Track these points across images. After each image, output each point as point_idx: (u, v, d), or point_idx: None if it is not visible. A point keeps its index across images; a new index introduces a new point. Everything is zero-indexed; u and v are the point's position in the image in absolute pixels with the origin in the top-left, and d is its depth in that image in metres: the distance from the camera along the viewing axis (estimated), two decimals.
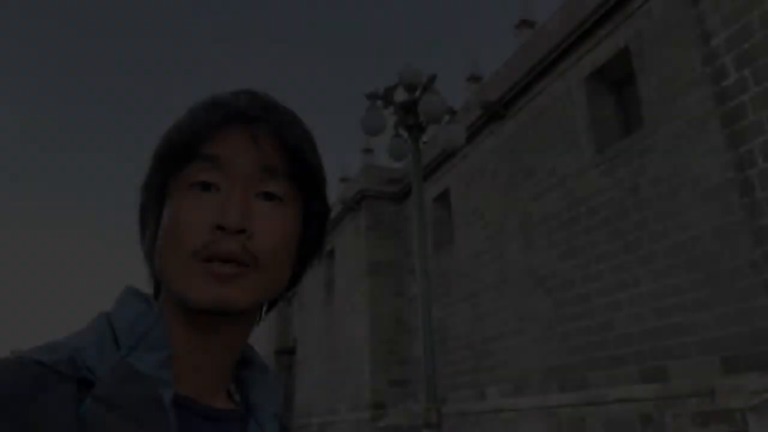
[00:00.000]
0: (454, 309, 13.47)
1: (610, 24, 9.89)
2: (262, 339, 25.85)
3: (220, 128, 0.62)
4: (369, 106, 5.77)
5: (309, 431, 19.60)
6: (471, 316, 12.78)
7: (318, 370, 19.61)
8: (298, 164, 0.64)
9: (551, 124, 10.94)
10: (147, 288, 0.67)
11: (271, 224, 0.61)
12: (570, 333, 9.76)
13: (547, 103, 11.16)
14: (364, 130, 5.83)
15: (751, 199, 6.29)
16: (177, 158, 0.62)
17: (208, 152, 0.61)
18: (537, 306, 10.64)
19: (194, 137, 0.61)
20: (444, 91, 6.07)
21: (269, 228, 0.61)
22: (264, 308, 0.69)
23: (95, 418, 0.49)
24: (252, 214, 0.60)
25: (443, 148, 6.39)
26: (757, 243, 6.22)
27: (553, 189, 10.60)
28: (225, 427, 0.62)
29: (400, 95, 5.65)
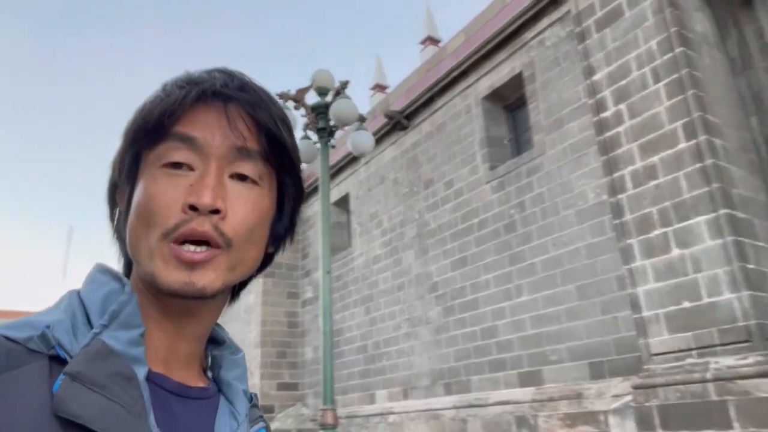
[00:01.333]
0: (348, 313, 13.61)
1: (508, 49, 10.55)
2: None
3: (194, 106, 0.60)
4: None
5: None
6: (365, 321, 12.97)
7: None
8: (273, 145, 0.63)
9: (450, 139, 11.44)
10: (116, 266, 0.65)
11: (244, 205, 0.60)
12: (457, 338, 10.24)
13: (447, 118, 11.66)
14: None
15: (620, 220, 7.00)
16: (149, 136, 0.60)
17: (181, 131, 0.59)
18: (428, 312, 11.05)
19: (167, 115, 0.59)
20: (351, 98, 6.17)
21: (242, 208, 0.60)
22: (236, 288, 0.69)
23: (68, 394, 0.49)
24: (225, 194, 0.59)
25: (353, 153, 6.47)
26: (623, 260, 6.93)
27: (449, 200, 11.09)
28: (197, 404, 0.62)
29: (312, 98, 5.67)
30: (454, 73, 11.46)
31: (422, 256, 11.54)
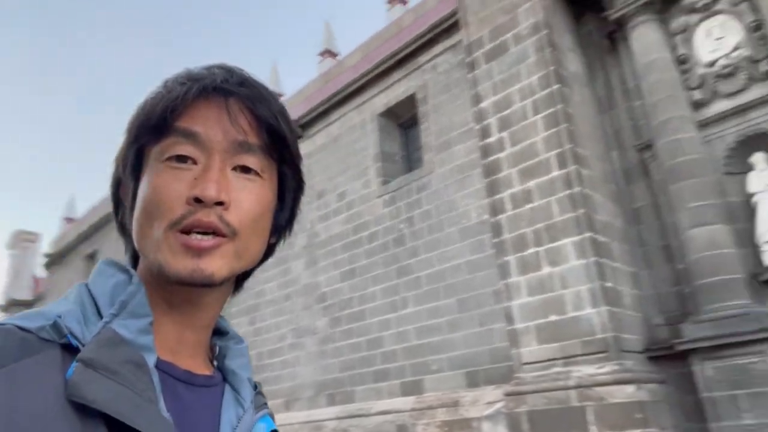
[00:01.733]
0: (232, 323, 13.17)
1: (403, 70, 10.96)
2: None
3: (195, 102, 0.62)
4: None
5: None
6: (249, 331, 12.65)
7: None
8: (273, 138, 0.65)
9: (345, 151, 11.60)
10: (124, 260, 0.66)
11: (247, 196, 0.62)
12: (343, 349, 10.34)
13: (343, 130, 11.83)
14: None
15: (499, 239, 7.54)
16: (152, 131, 0.61)
17: (184, 126, 0.61)
18: (315, 322, 11.05)
19: (170, 111, 0.61)
20: None
21: (245, 200, 0.62)
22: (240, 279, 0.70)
23: (82, 380, 0.50)
24: (229, 186, 0.61)
25: None
26: (500, 276, 7.45)
27: (341, 212, 11.22)
28: (203, 391, 0.64)
29: None
30: (352, 88, 11.67)
31: (312, 266, 11.53)
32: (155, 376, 0.56)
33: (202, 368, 0.66)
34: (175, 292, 0.62)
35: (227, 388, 0.68)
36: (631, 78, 7.70)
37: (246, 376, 0.70)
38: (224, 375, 0.69)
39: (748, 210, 6.43)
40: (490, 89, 8.16)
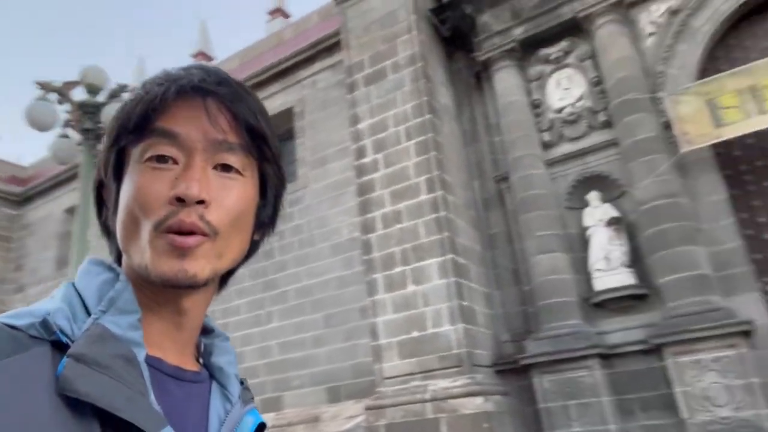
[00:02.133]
0: None
1: (282, 83, 10.95)
2: None
3: (174, 102, 0.62)
4: (39, 97, 4.97)
5: None
6: None
7: None
8: (253, 136, 0.65)
9: None
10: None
11: (228, 195, 0.62)
12: None
13: None
14: (29, 122, 4.95)
15: (369, 257, 7.78)
16: (132, 133, 0.62)
17: (163, 127, 0.61)
18: None
19: (149, 112, 0.61)
20: None
21: (227, 198, 0.62)
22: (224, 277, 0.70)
23: (74, 374, 0.50)
24: (209, 185, 0.61)
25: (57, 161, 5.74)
26: (368, 292, 7.69)
27: None
28: (191, 387, 0.65)
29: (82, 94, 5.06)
30: None
31: None
32: (145, 371, 0.57)
33: (189, 365, 0.67)
34: (160, 293, 0.62)
35: (214, 384, 0.69)
36: (493, 115, 8.45)
37: (233, 372, 0.71)
38: (211, 371, 0.70)
39: (583, 241, 7.34)
40: (367, 112, 8.46)
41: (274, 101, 10.94)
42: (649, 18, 7.46)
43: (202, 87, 0.63)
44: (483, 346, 7.31)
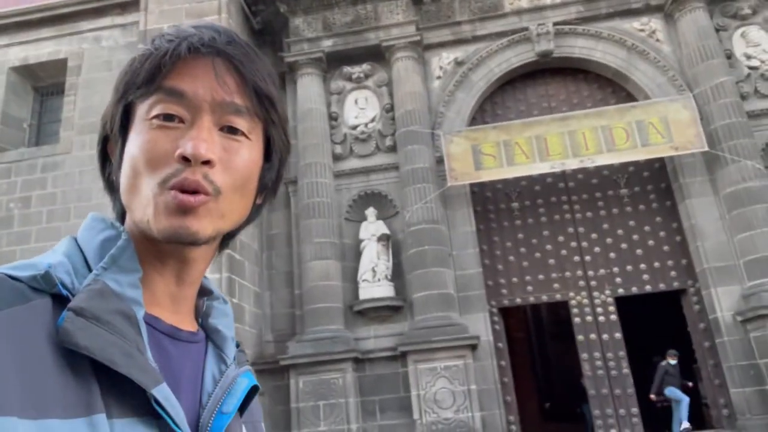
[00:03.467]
0: None
1: (56, 29, 9.52)
2: None
3: (183, 60, 0.61)
4: None
5: None
6: None
7: None
8: (260, 99, 0.64)
9: None
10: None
11: (233, 157, 0.62)
12: None
13: None
14: None
15: None
16: (140, 89, 0.60)
17: (171, 85, 0.60)
18: None
19: (158, 68, 0.60)
20: None
21: (232, 160, 0.62)
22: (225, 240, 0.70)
23: (74, 327, 0.50)
24: (215, 146, 0.60)
25: None
26: None
27: None
28: (187, 346, 0.65)
29: None
30: None
31: None
32: (143, 329, 0.57)
33: (187, 324, 0.67)
34: (163, 249, 0.61)
35: (210, 345, 0.69)
36: (291, 118, 8.55)
37: (230, 335, 0.72)
38: (208, 333, 0.70)
39: (356, 252, 7.84)
40: None
41: (42, 47, 9.45)
42: (440, 63, 8.41)
43: (212, 45, 0.63)
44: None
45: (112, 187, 0.68)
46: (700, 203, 7.57)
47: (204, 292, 0.74)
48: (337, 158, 8.25)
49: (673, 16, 8.10)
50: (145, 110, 0.61)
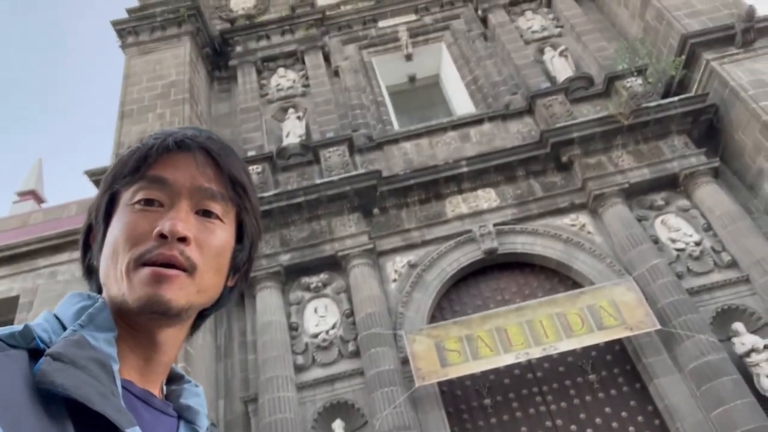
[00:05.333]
0: None
1: (12, 268, 9.57)
2: None
3: (167, 153, 0.69)
4: None
5: None
6: None
7: None
8: (235, 187, 0.71)
9: None
10: None
11: (208, 236, 0.67)
12: None
13: None
14: None
15: None
16: (125, 178, 0.67)
17: (153, 174, 0.67)
18: None
19: (144, 160, 0.67)
20: None
21: (206, 239, 0.67)
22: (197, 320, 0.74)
23: (51, 369, 0.51)
24: (191, 226, 0.66)
25: None
26: None
27: None
28: (160, 417, 0.66)
29: None
30: None
31: None
32: (118, 382, 0.58)
33: (158, 394, 0.68)
34: (135, 326, 0.64)
35: (182, 421, 0.71)
36: (250, 333, 8.44)
37: (203, 411, 0.74)
38: (180, 412, 0.72)
39: None
40: None
41: None
42: (394, 267, 8.80)
43: (194, 140, 0.71)
44: None
45: (90, 272, 0.73)
46: (669, 382, 7.53)
47: (175, 378, 0.77)
48: (299, 369, 7.98)
49: (597, 211, 9.02)
50: (128, 196, 0.68)
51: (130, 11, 12.06)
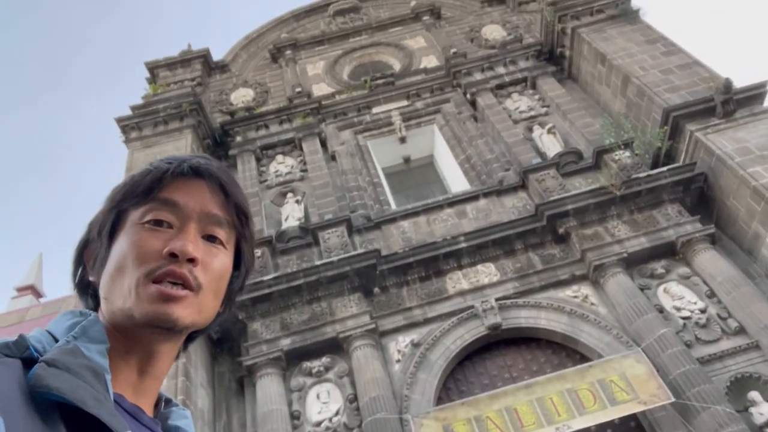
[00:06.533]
0: None
1: None
2: None
3: (178, 178, 0.73)
4: None
5: None
6: None
7: None
8: (239, 215, 0.76)
9: None
10: None
11: (213, 260, 0.71)
12: None
13: None
14: None
15: None
16: (135, 198, 0.70)
17: (165, 196, 0.71)
18: None
19: (158, 182, 0.71)
20: None
21: (211, 262, 0.71)
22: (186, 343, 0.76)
23: (45, 374, 0.52)
24: (199, 248, 0.70)
25: None
26: None
27: None
28: (146, 431, 0.66)
29: None
30: None
31: None
32: (110, 389, 0.59)
33: (149, 412, 0.70)
34: (135, 340, 0.66)
35: None
36: (250, 424, 8.12)
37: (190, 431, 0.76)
38: (168, 429, 0.74)
39: None
40: None
41: None
42: (397, 347, 8.62)
43: (205, 168, 0.76)
44: None
45: (82, 288, 0.75)
46: None
47: (167, 403, 0.79)
48: None
49: (598, 282, 8.98)
50: (138, 216, 0.71)
51: (133, 108, 12.58)
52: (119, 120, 12.22)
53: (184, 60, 14.80)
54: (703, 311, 8.43)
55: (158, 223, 0.71)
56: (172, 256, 0.67)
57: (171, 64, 14.70)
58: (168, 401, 0.78)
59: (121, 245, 0.69)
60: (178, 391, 7.50)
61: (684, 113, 9.80)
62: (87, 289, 0.74)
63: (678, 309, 8.58)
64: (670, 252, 9.14)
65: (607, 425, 7.77)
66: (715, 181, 9.34)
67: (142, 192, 0.72)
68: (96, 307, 0.72)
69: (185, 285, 0.68)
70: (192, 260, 0.69)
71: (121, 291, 0.66)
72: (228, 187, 0.77)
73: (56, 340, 0.62)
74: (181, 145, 11.51)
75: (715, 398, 7.32)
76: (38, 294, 13.22)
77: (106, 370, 0.61)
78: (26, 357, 0.57)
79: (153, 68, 14.70)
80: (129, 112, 12.46)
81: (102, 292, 0.69)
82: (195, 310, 0.68)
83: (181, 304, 0.66)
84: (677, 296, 8.73)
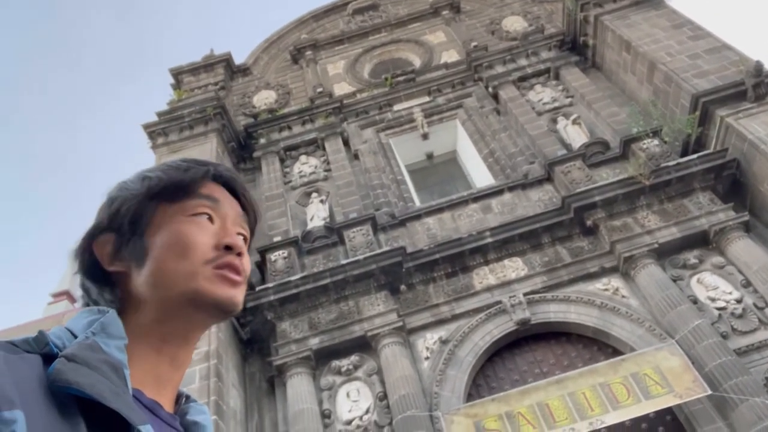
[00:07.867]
0: None
1: None
2: None
3: (210, 180, 0.80)
4: None
5: None
6: None
7: None
8: (256, 218, 0.87)
9: None
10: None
11: (245, 255, 0.79)
12: None
13: None
14: None
15: None
16: (177, 193, 0.75)
17: (208, 193, 0.79)
18: None
19: (194, 180, 0.77)
20: None
21: (245, 257, 0.78)
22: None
23: (65, 368, 0.54)
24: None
25: None
26: None
27: None
28: (164, 426, 0.68)
29: None
30: None
31: None
32: (129, 383, 0.61)
33: (167, 407, 0.72)
34: (176, 327, 0.70)
35: None
36: (282, 423, 8.21)
37: (209, 427, 0.79)
38: (186, 428, 0.76)
39: None
40: None
41: None
42: (425, 344, 8.61)
43: (231, 175, 0.85)
44: None
45: (101, 278, 0.74)
46: None
47: (181, 399, 0.81)
48: None
49: (629, 274, 8.81)
50: (180, 209, 0.76)
51: (159, 114, 12.80)
52: (146, 126, 12.44)
53: (207, 65, 14.99)
54: (738, 301, 8.21)
55: (200, 216, 0.77)
56: (227, 248, 0.74)
57: (194, 69, 14.91)
58: (187, 397, 0.81)
59: (170, 234, 0.73)
60: (210, 392, 7.62)
61: (714, 98, 9.53)
62: (103, 280, 0.74)
63: (713, 299, 8.37)
64: (703, 241, 8.92)
65: (642, 419, 7.63)
66: (748, 167, 9.07)
67: (184, 188, 0.77)
68: (113, 298, 0.73)
69: (239, 274, 0.75)
70: (240, 254, 0.76)
71: (181, 275, 0.70)
72: (246, 193, 0.86)
73: (75, 337, 0.64)
74: (207, 149, 11.67)
75: (753, 390, 7.12)
76: (73, 299, 13.60)
77: (125, 365, 0.63)
78: (46, 353, 0.59)
79: (177, 74, 14.93)
80: (155, 119, 12.67)
81: (150, 280, 0.70)
82: (243, 296, 0.76)
83: (239, 290, 0.74)
84: (711, 286, 8.51)
